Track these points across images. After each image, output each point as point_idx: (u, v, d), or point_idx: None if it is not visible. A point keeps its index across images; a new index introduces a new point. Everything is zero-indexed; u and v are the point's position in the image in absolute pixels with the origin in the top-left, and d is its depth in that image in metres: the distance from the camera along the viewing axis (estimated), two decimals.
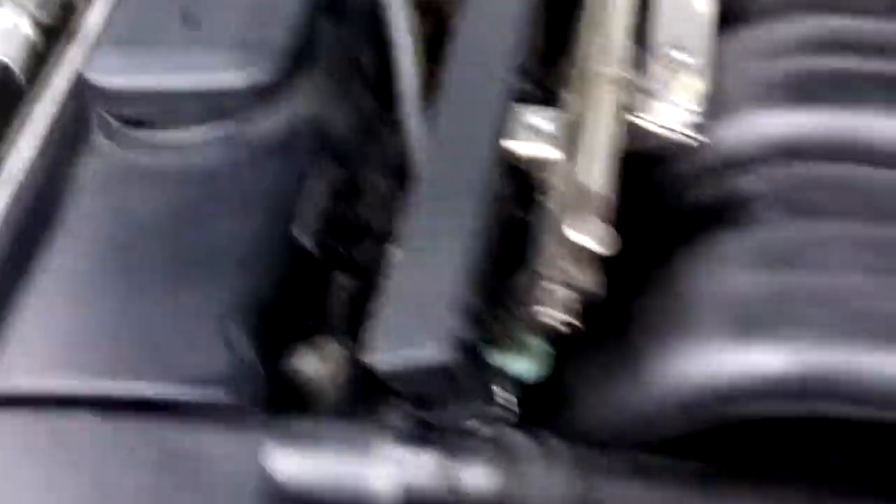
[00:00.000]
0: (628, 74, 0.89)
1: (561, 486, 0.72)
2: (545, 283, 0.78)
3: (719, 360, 0.76)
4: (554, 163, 0.85)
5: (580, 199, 0.81)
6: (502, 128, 0.86)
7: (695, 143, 0.89)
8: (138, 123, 0.91)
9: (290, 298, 0.85)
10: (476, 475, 0.72)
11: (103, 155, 0.91)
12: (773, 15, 0.98)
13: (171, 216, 0.85)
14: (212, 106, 0.88)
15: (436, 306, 0.75)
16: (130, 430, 0.76)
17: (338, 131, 0.93)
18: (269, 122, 0.90)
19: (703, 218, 0.89)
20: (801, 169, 0.87)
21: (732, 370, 0.75)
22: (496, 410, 0.79)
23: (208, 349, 0.77)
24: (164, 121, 0.90)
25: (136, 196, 0.88)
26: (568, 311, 0.78)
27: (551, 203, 0.83)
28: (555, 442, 0.76)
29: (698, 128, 0.89)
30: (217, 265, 0.82)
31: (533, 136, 0.86)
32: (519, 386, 0.82)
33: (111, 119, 0.91)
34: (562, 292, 0.78)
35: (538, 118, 0.86)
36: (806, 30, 0.94)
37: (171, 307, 0.81)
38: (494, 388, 0.80)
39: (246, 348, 0.78)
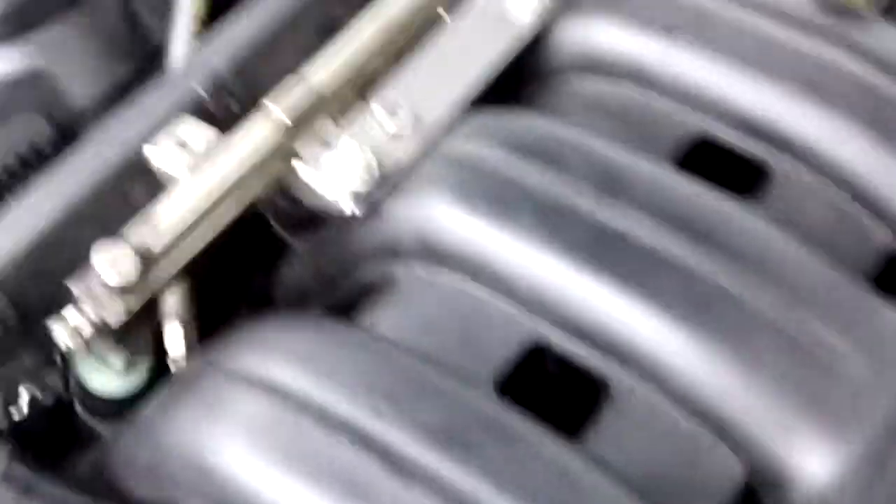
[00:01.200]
0: (296, 119, 0.82)
1: None
2: (72, 303, 0.76)
3: None
4: (170, 180, 0.81)
5: (143, 227, 0.77)
6: (151, 132, 0.82)
7: (349, 215, 0.82)
8: None
9: None
10: None
11: None
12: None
13: None
14: None
15: None
16: None
17: (63, 92, 0.92)
18: None
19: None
20: (439, 274, 0.79)
21: None
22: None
23: None
24: None
25: None
26: (75, 332, 0.75)
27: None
28: (5, 464, 0.73)
29: (362, 201, 0.81)
30: None
31: (175, 149, 0.82)
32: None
33: None
34: (75, 316, 0.75)
35: (190, 134, 0.82)
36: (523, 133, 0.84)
37: None
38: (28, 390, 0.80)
39: None
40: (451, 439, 0.68)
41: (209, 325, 0.86)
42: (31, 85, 0.91)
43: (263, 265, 0.92)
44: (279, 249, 0.94)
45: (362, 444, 0.68)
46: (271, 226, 0.95)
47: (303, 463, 0.68)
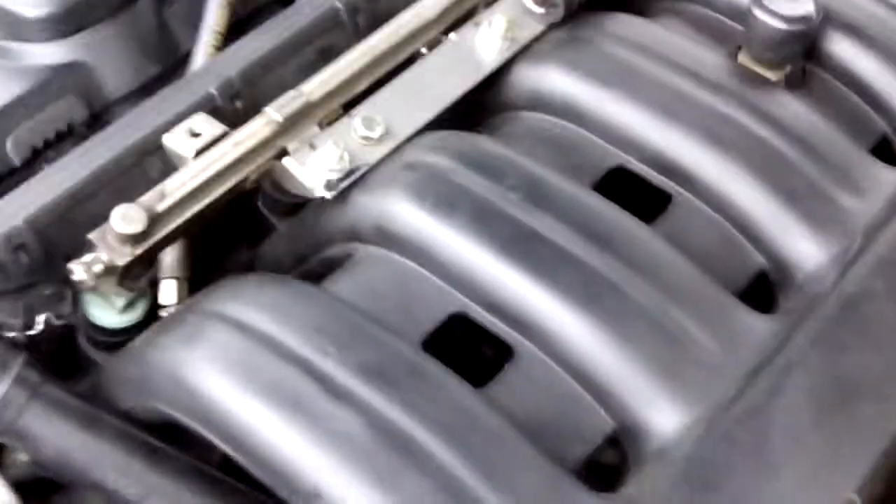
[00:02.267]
0: (287, 119, 1.01)
1: None
2: (89, 247, 0.94)
3: None
4: (182, 161, 0.99)
5: (154, 193, 0.95)
6: (170, 122, 1.01)
7: (322, 201, 1.00)
8: None
9: None
10: None
11: None
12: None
13: None
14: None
15: None
16: None
17: (101, 83, 1.11)
18: (47, 52, 1.10)
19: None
20: (388, 255, 0.97)
21: None
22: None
23: None
24: None
25: None
26: (90, 273, 0.92)
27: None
28: (20, 367, 0.89)
29: (333, 188, 0.99)
30: None
31: (187, 137, 1.00)
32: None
33: None
34: (90, 257, 0.93)
35: (201, 126, 1.00)
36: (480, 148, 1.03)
37: None
38: (42, 315, 0.98)
39: None
40: (379, 376, 0.85)
41: (199, 286, 1.04)
42: (75, 74, 1.10)
43: (249, 240, 1.11)
44: (263, 227, 1.12)
45: (309, 374, 0.85)
46: (258, 208, 1.14)
47: (260, 385, 0.86)
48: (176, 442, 0.91)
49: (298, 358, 0.86)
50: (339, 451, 0.82)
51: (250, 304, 0.91)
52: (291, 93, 1.03)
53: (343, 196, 1.00)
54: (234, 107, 1.05)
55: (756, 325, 0.91)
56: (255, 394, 0.85)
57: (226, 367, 0.87)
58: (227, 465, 0.87)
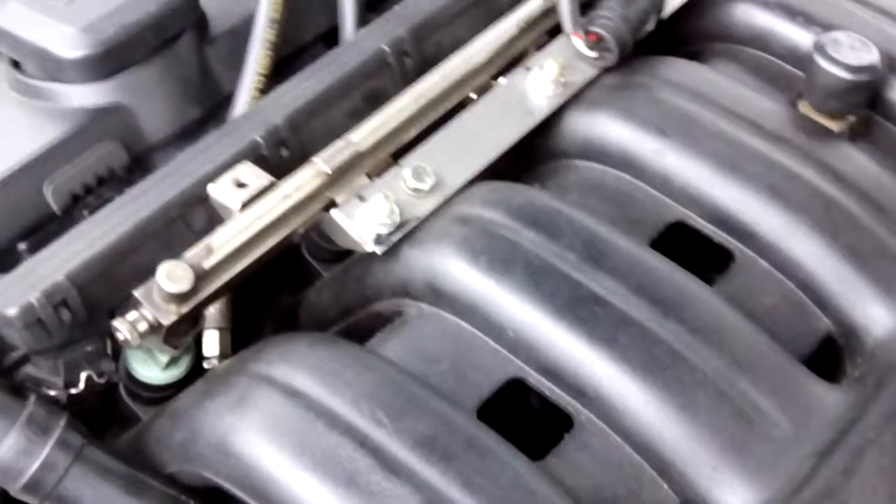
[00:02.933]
0: (335, 170, 0.97)
1: (21, 451, 0.84)
2: (133, 305, 0.90)
3: None
4: (226, 212, 0.96)
5: (200, 249, 0.92)
6: (214, 171, 0.97)
7: (371, 255, 0.96)
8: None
9: (17, 238, 1.02)
10: None
11: None
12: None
13: None
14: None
15: (32, 286, 0.90)
16: None
17: (141, 126, 1.08)
18: (86, 94, 1.07)
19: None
20: (441, 314, 0.94)
21: None
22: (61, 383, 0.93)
23: None
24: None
25: None
26: (135, 332, 0.89)
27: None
28: (62, 430, 0.86)
29: (382, 243, 0.96)
30: None
31: (232, 187, 0.96)
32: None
33: None
34: (134, 315, 0.90)
35: (247, 176, 0.97)
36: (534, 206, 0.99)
37: None
38: (86, 372, 0.95)
39: None
40: (435, 449, 0.82)
41: (241, 333, 1.01)
42: (114, 117, 1.07)
43: (292, 287, 1.07)
44: (307, 275, 1.09)
45: (362, 446, 0.82)
46: (302, 254, 1.11)
47: (311, 457, 0.82)
48: None
49: (351, 428, 0.83)
50: None
51: (300, 367, 0.88)
52: (340, 143, 1.00)
53: (393, 250, 0.97)
54: (279, 154, 1.02)
55: (827, 398, 0.88)
56: (308, 466, 0.82)
57: (276, 437, 0.84)
58: None
